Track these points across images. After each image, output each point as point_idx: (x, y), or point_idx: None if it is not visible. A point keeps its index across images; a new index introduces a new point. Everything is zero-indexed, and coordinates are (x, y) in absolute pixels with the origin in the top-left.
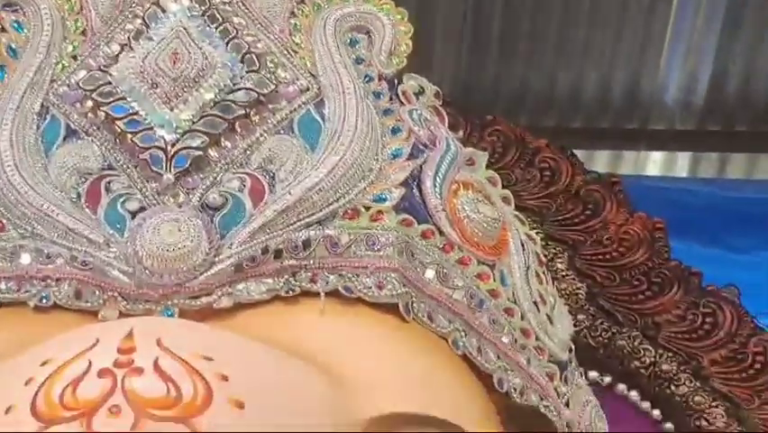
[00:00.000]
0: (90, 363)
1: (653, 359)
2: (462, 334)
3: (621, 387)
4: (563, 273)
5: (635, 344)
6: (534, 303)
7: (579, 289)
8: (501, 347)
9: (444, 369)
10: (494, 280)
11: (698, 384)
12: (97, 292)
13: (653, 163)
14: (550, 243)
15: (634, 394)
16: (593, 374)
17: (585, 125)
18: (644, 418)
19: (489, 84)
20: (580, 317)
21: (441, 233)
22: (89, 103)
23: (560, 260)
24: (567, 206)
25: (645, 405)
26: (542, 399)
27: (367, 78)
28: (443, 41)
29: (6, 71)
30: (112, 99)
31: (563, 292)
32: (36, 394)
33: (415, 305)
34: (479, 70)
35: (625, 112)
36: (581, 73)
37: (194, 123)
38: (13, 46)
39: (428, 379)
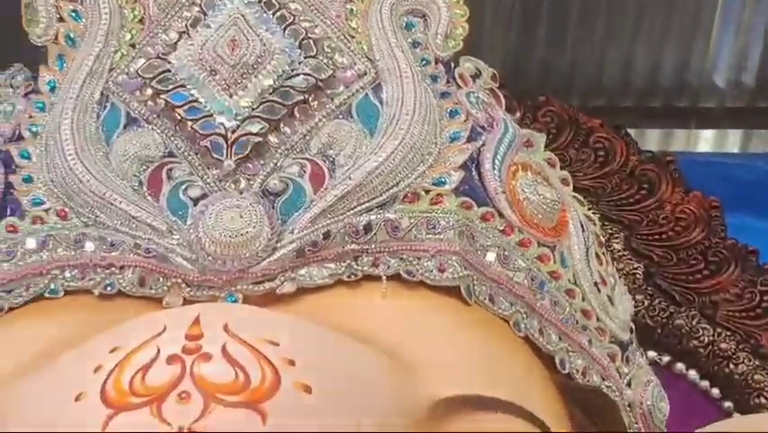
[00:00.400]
0: (159, 349)
1: (711, 338)
2: (524, 316)
3: (680, 366)
4: (620, 254)
5: (694, 323)
6: (595, 284)
7: (636, 269)
8: (563, 328)
9: (507, 351)
10: (554, 262)
11: (757, 363)
12: (161, 279)
13: (705, 141)
14: (606, 223)
15: (692, 373)
16: (651, 354)
17: (635, 104)
18: (702, 396)
19: (539, 64)
20: (638, 297)
21: (501, 215)
22: (149, 91)
23: (616, 240)
24: (622, 186)
25: (704, 384)
26: (604, 379)
27: (424, 62)
28: (492, 23)
29: (65, 60)
30: (171, 87)
31: (621, 273)
32: (106, 381)
33: (476, 288)
34: (528, 51)
35: (675, 90)
36: (631, 52)
37: (253, 109)
38: (72, 35)
39: (491, 361)
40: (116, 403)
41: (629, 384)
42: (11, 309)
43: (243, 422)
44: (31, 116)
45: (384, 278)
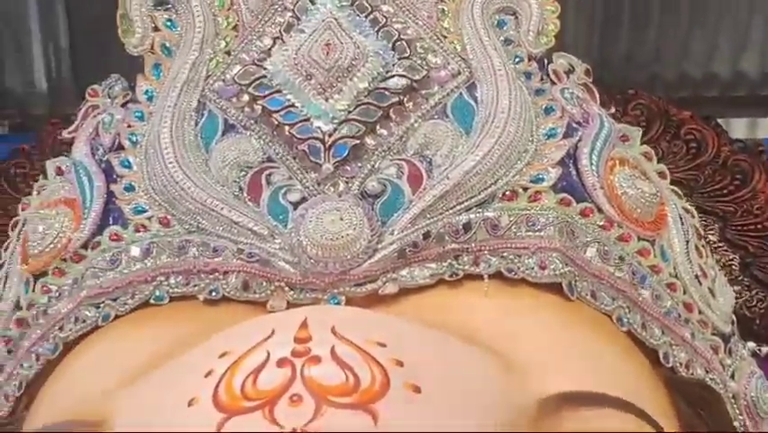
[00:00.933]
0: (268, 353)
1: None
2: (626, 310)
3: None
4: (716, 245)
5: None
6: (696, 277)
7: (732, 260)
8: (665, 322)
9: (611, 346)
10: (655, 256)
11: None
12: (265, 283)
13: None
14: (700, 215)
15: None
16: (750, 345)
17: (720, 94)
18: None
19: (623, 56)
20: (736, 288)
21: (600, 210)
22: (245, 97)
23: (711, 232)
24: (715, 177)
25: None
26: (707, 372)
27: (517, 59)
28: (575, 17)
29: (162, 69)
30: (267, 92)
31: (718, 264)
32: (217, 386)
33: (578, 284)
34: (611, 44)
35: (759, 79)
36: (715, 43)
37: (349, 112)
38: (167, 44)
39: (597, 357)
40: (229, 407)
41: (732, 376)
42: (117, 317)
43: (355, 423)
44: (130, 126)
45: (486, 276)
